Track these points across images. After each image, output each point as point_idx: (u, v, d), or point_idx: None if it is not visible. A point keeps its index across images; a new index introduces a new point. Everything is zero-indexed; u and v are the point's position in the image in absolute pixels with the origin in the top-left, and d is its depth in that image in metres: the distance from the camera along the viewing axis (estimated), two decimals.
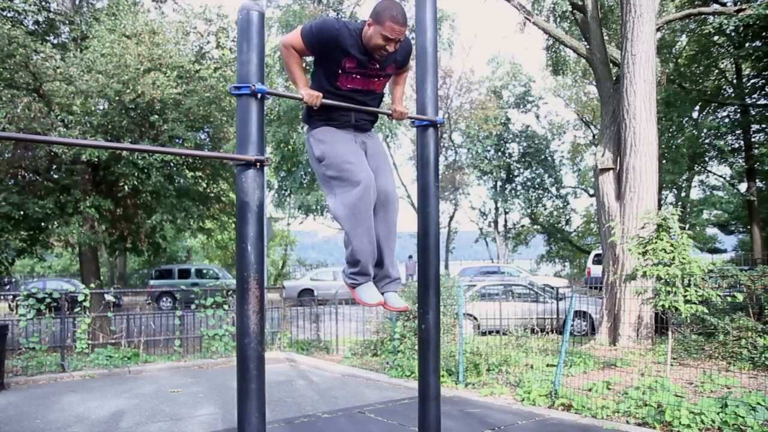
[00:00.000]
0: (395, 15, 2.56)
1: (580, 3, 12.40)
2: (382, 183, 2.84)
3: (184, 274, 22.10)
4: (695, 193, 28.03)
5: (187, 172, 12.04)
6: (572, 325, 10.25)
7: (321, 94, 2.60)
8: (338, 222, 2.76)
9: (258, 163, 2.32)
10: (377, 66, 2.74)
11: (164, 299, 20.05)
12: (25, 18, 11.45)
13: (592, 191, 28.69)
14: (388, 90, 3.12)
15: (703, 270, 6.80)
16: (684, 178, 25.08)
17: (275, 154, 19.58)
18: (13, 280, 24.24)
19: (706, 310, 7.16)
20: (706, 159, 23.79)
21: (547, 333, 9.62)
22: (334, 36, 2.61)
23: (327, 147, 2.77)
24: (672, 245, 6.89)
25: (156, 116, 10.47)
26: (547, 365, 7.72)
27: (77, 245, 12.04)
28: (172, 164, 11.17)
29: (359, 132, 2.91)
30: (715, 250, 32.36)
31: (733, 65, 20.84)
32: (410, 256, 26.65)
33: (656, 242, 7.00)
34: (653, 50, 10.32)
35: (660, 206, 14.77)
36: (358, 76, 2.72)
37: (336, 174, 2.73)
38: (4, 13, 10.91)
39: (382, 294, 2.86)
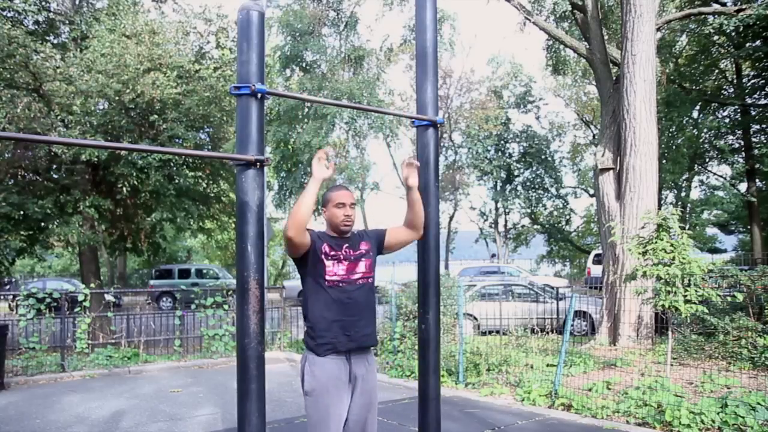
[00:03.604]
0: (334, 187, 2.94)
1: (580, 3, 12.40)
2: (367, 428, 2.89)
3: (184, 274, 22.08)
4: (695, 193, 28.04)
5: (187, 171, 12.02)
6: (572, 325, 10.25)
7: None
8: None
9: (258, 163, 2.32)
10: (349, 246, 2.90)
11: (164, 299, 20.04)
12: (25, 18, 11.44)
13: (592, 191, 28.68)
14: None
15: (703, 270, 6.79)
16: (684, 178, 25.06)
17: (275, 153, 19.53)
18: (13, 280, 24.24)
19: (706, 310, 7.16)
20: (707, 159, 23.78)
21: (547, 333, 9.62)
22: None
23: (317, 391, 2.79)
24: (672, 245, 6.89)
25: (156, 116, 10.47)
26: (547, 365, 7.72)
27: (77, 245, 12.02)
28: (171, 164, 11.16)
29: (358, 357, 2.87)
30: (715, 250, 32.33)
31: (733, 65, 20.83)
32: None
33: (656, 242, 7.00)
34: (653, 50, 10.32)
35: (660, 206, 14.76)
36: (343, 261, 2.86)
37: (311, 421, 2.82)
38: (4, 13, 10.90)
39: None
